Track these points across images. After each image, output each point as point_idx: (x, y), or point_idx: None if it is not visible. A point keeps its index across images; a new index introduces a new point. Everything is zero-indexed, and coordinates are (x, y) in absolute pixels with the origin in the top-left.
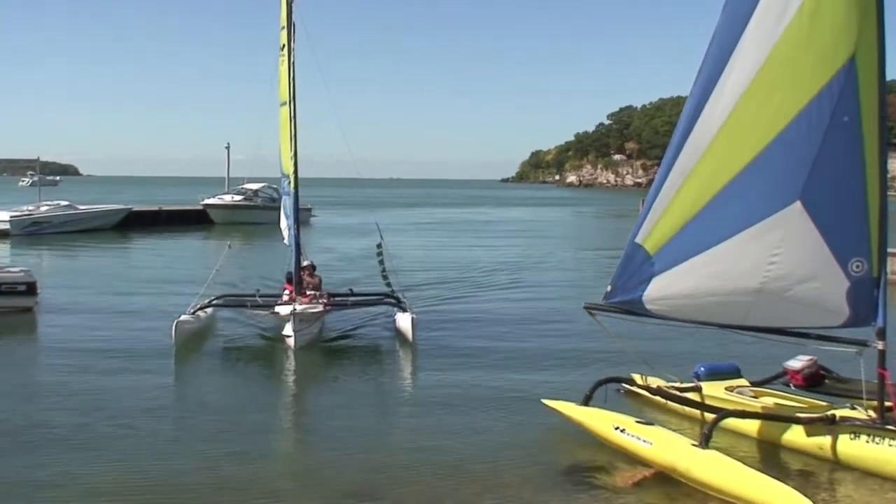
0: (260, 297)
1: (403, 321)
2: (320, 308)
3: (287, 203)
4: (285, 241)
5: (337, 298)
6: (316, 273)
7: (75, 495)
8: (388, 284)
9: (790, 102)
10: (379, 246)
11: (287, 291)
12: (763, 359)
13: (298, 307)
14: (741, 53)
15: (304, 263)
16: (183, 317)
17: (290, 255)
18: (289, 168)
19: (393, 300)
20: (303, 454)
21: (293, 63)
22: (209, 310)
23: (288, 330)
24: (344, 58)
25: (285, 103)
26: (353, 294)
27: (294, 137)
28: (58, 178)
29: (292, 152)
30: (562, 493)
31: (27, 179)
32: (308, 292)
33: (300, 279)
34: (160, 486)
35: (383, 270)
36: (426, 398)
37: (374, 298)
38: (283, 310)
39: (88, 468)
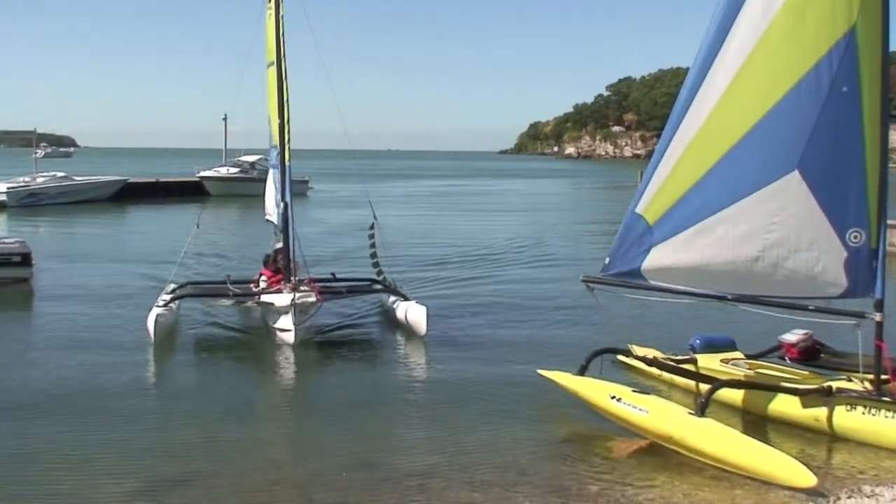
0: (231, 283)
1: (414, 312)
2: (314, 298)
3: (276, 176)
4: (268, 217)
5: (324, 285)
6: None
7: (63, 466)
8: (380, 272)
9: (789, 72)
10: (371, 227)
11: (265, 277)
12: (758, 333)
13: (298, 296)
14: (742, 23)
15: (278, 246)
16: (158, 310)
17: (274, 236)
18: (277, 137)
19: (381, 286)
20: (300, 428)
21: (282, 17)
22: (182, 300)
23: (285, 322)
24: (339, 27)
25: (273, 63)
26: (336, 279)
27: (285, 102)
28: (71, 149)
29: (282, 119)
30: (558, 462)
31: (40, 151)
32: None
33: (288, 264)
34: (156, 459)
35: (374, 255)
36: (423, 373)
37: (365, 285)
38: (279, 300)
39: (76, 441)
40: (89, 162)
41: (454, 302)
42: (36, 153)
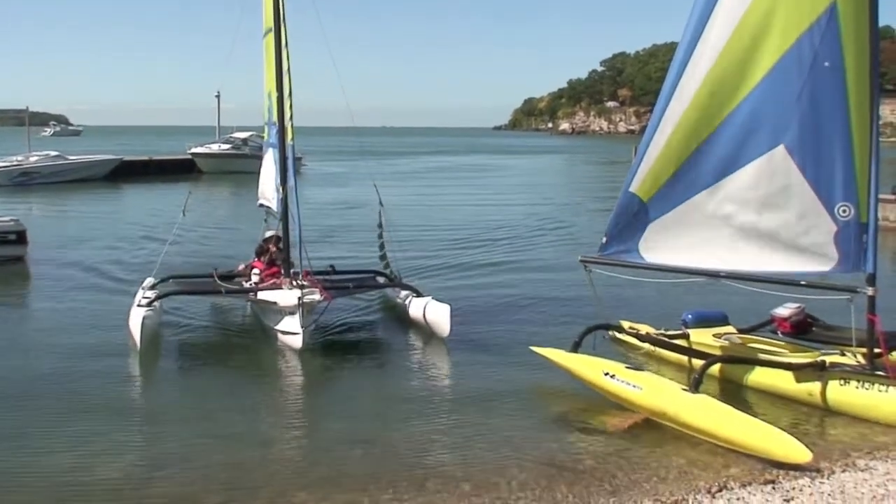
0: (218, 276)
1: (435, 311)
2: (321, 296)
3: (276, 156)
4: (262, 201)
5: (325, 278)
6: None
7: (59, 447)
8: (387, 264)
9: (771, 49)
10: (379, 214)
11: (257, 270)
12: (750, 308)
13: (305, 294)
14: (725, 1)
15: (269, 234)
16: (143, 311)
17: (264, 223)
18: (277, 112)
19: (388, 279)
20: (294, 406)
21: None
22: (167, 298)
23: (291, 325)
24: (331, 6)
25: (270, 30)
26: (335, 272)
27: (284, 73)
28: (80, 127)
29: (280, 93)
30: (552, 438)
31: (49, 130)
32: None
33: (288, 257)
34: (150, 438)
35: (381, 245)
36: (416, 354)
37: (369, 277)
38: (282, 298)
39: (71, 422)
40: (97, 140)
41: (449, 282)
42: (44, 132)
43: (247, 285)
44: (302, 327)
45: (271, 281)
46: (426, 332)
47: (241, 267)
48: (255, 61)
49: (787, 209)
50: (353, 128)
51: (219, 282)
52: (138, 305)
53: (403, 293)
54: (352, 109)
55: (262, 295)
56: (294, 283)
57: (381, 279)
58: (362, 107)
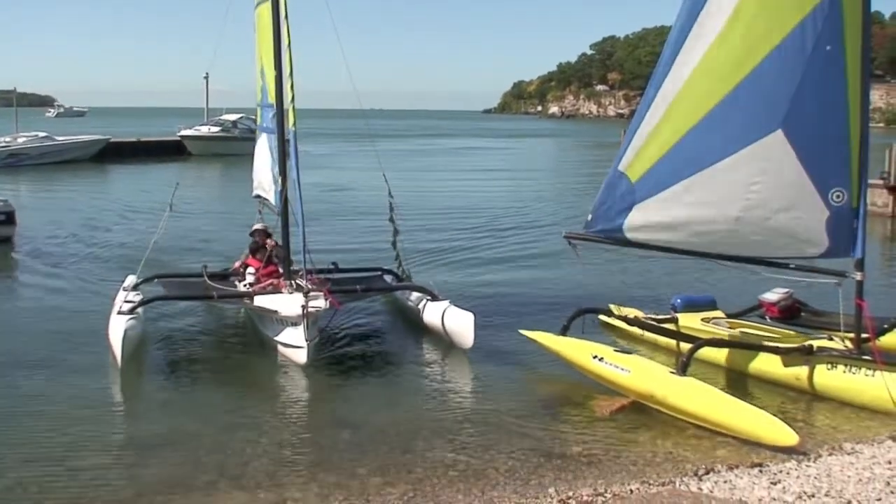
0: (209, 276)
1: (456, 319)
2: (327, 302)
3: (272, 143)
4: (257, 192)
5: (327, 277)
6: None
7: (48, 428)
8: (399, 263)
9: (772, 31)
10: (390, 207)
11: (252, 269)
12: (739, 293)
13: (310, 302)
14: None
15: (257, 226)
16: (125, 320)
17: (258, 215)
18: (273, 93)
19: (398, 278)
20: (282, 389)
21: None
22: (153, 303)
23: (294, 337)
24: None
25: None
26: (339, 269)
27: (284, 49)
28: (85, 108)
29: (279, 71)
30: (540, 423)
31: (53, 111)
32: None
33: (288, 255)
34: (139, 419)
35: (394, 244)
36: (405, 337)
37: (377, 277)
38: (284, 306)
39: (60, 403)
40: (104, 122)
41: (436, 266)
42: (48, 113)
43: (241, 286)
44: (306, 340)
45: (269, 282)
46: (436, 336)
47: (237, 264)
48: (249, 38)
49: (780, 195)
50: (340, 110)
51: (210, 282)
52: (119, 313)
53: (415, 295)
54: (330, 93)
55: (259, 301)
56: (295, 284)
57: (388, 277)
58: (347, 89)
